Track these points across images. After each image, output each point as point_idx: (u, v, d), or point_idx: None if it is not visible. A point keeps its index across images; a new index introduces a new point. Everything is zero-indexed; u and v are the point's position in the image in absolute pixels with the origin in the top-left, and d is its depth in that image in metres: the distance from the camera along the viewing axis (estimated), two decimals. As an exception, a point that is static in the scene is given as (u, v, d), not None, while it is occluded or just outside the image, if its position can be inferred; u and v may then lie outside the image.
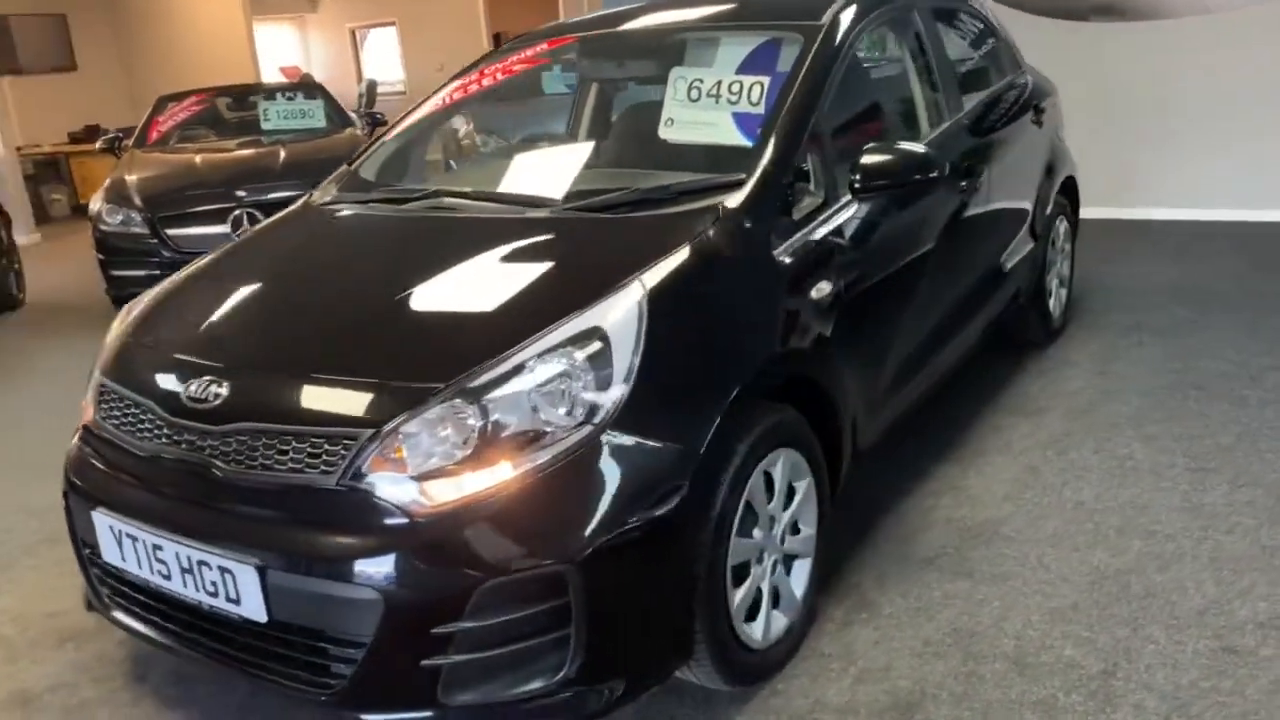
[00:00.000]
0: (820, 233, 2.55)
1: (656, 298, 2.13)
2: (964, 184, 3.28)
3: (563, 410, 1.97)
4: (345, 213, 2.85)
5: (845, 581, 2.76)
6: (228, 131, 7.68)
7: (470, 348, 2.04)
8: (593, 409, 1.98)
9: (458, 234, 2.58)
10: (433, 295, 2.29)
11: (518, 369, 1.99)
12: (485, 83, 3.43)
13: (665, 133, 3.24)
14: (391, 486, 1.92)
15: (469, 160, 3.41)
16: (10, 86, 11.97)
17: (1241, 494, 3.06)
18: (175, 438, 2.14)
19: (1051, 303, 4.39)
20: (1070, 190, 4.51)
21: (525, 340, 2.03)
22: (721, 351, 2.21)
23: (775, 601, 2.42)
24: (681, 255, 2.25)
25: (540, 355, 2.01)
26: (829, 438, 2.57)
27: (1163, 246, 6.02)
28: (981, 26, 4.13)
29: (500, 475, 1.91)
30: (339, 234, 2.78)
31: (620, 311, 2.08)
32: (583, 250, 2.36)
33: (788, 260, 2.43)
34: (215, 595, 2.04)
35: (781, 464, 2.34)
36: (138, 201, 6.12)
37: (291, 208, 3.02)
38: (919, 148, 2.68)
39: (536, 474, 1.92)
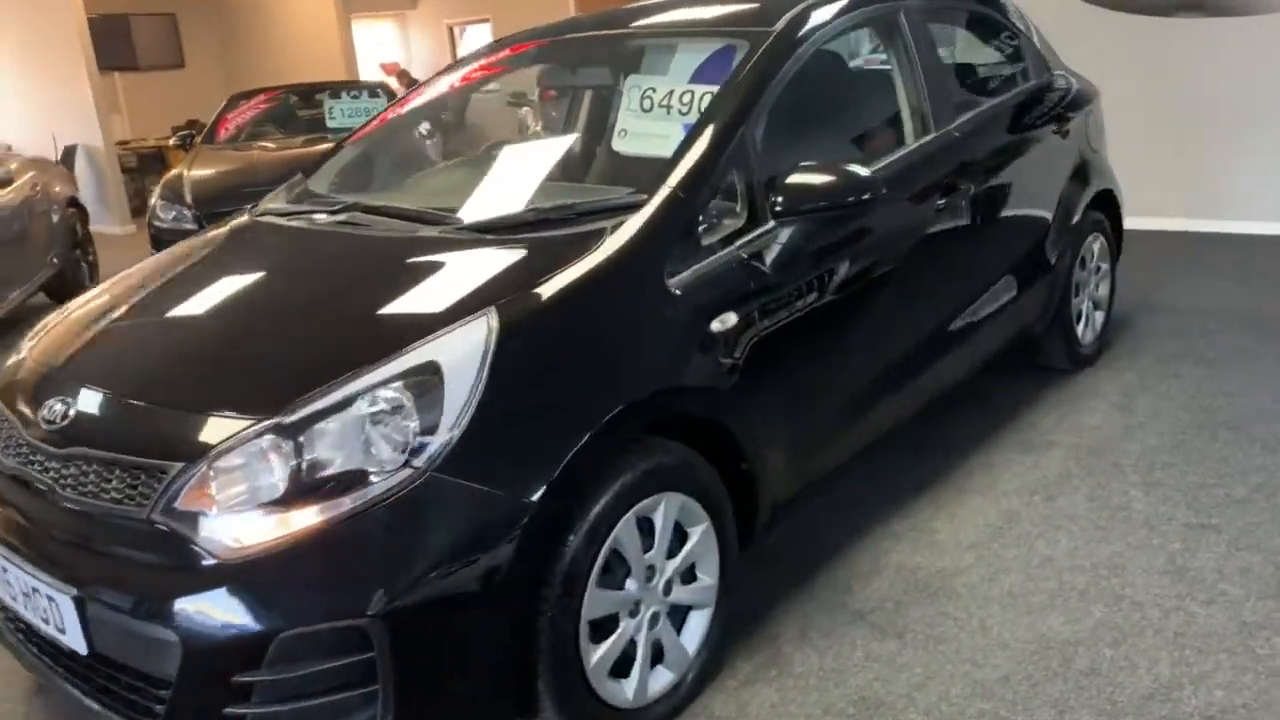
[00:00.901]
0: (733, 259, 2.36)
1: (508, 331, 1.98)
2: (941, 203, 3.01)
3: (387, 450, 1.85)
4: (262, 226, 2.79)
5: (764, 632, 2.56)
6: (295, 129, 7.85)
7: (299, 377, 1.94)
8: (418, 450, 1.85)
9: (346, 253, 2.49)
10: (288, 318, 2.21)
11: (342, 403, 1.88)
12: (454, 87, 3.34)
13: (618, 145, 3.10)
14: (200, 524, 1.83)
15: (429, 170, 3.31)
16: (122, 82, 12.63)
17: (1238, 559, 2.72)
18: (29, 458, 2.12)
19: (1081, 328, 4.03)
20: (1108, 205, 4.14)
21: (356, 372, 1.91)
22: (582, 390, 2.04)
23: (661, 656, 2.25)
24: (551, 283, 2.10)
25: (368, 389, 1.89)
26: (742, 481, 2.39)
27: (1232, 264, 5.50)
28: (999, 28, 3.81)
29: (311, 518, 1.81)
30: (241, 249, 2.73)
31: (462, 345, 1.95)
32: (452, 275, 2.23)
33: (685, 289, 2.24)
34: (47, 623, 2.01)
35: (664, 508, 2.17)
36: (189, 198, 6.28)
37: (232, 219, 2.99)
38: (854, 168, 2.45)
39: (350, 518, 1.81)
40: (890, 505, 3.13)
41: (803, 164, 2.42)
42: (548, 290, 2.09)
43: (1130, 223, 4.44)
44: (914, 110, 3.11)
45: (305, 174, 3.18)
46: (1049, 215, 3.69)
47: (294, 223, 2.73)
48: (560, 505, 1.94)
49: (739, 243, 2.38)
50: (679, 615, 2.30)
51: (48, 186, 6.80)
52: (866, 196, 2.42)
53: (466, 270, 2.23)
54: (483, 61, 3.32)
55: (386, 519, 1.81)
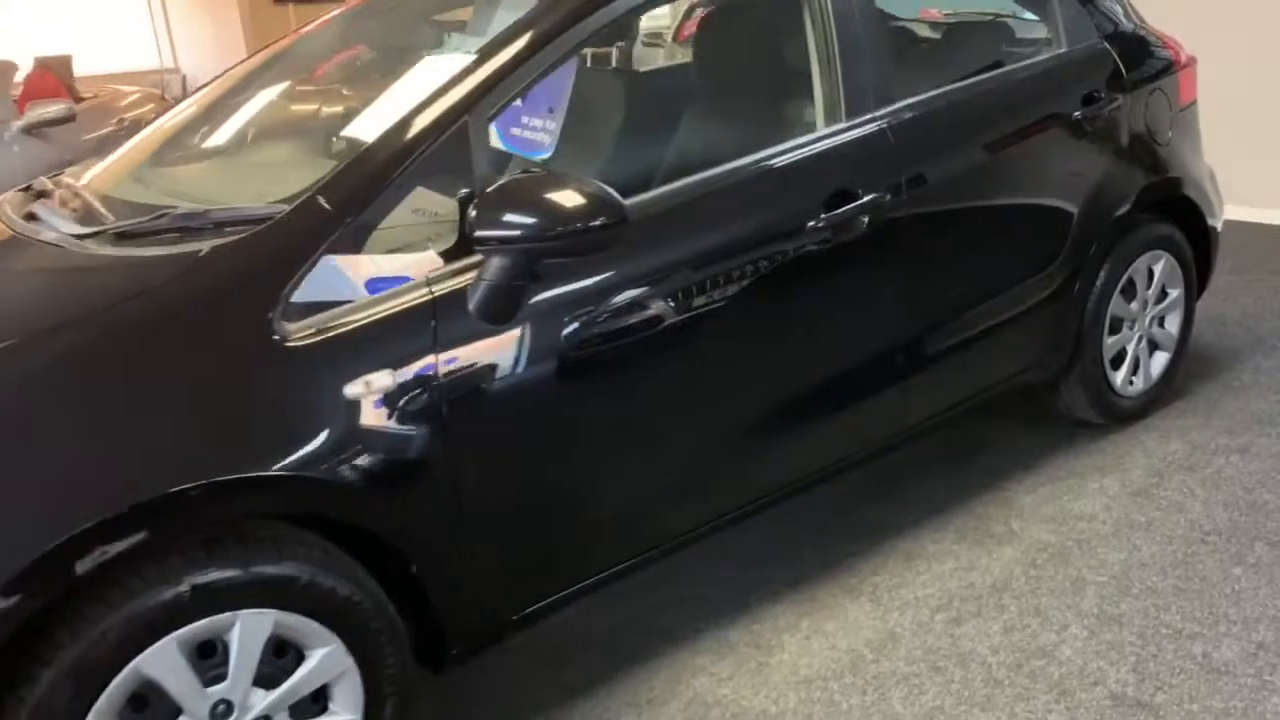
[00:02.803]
0: (417, 300, 1.76)
1: (-14, 393, 1.50)
2: (823, 221, 2.23)
3: None
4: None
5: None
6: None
7: None
8: None
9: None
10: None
11: None
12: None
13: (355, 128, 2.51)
14: None
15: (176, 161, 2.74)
16: (295, 13, 12.92)
17: (1156, 770, 1.89)
18: None
19: (1121, 374, 3.09)
20: (1182, 214, 3.13)
21: None
22: (76, 471, 1.53)
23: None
24: (85, 324, 1.60)
25: None
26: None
27: None
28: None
29: None
30: None
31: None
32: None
33: (311, 339, 1.67)
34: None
35: (240, 630, 1.64)
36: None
37: None
38: (585, 188, 1.76)
39: None
40: (746, 600, 2.45)
41: (507, 180, 1.77)
42: (67, 340, 1.58)
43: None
44: (819, 95, 2.34)
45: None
46: (1060, 227, 2.79)
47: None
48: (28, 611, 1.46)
49: (429, 275, 1.78)
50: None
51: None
52: (600, 223, 1.75)
53: (28, 290, 1.76)
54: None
55: None
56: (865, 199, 2.28)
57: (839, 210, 2.25)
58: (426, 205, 1.88)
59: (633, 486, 2.08)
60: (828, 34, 2.33)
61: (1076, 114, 2.77)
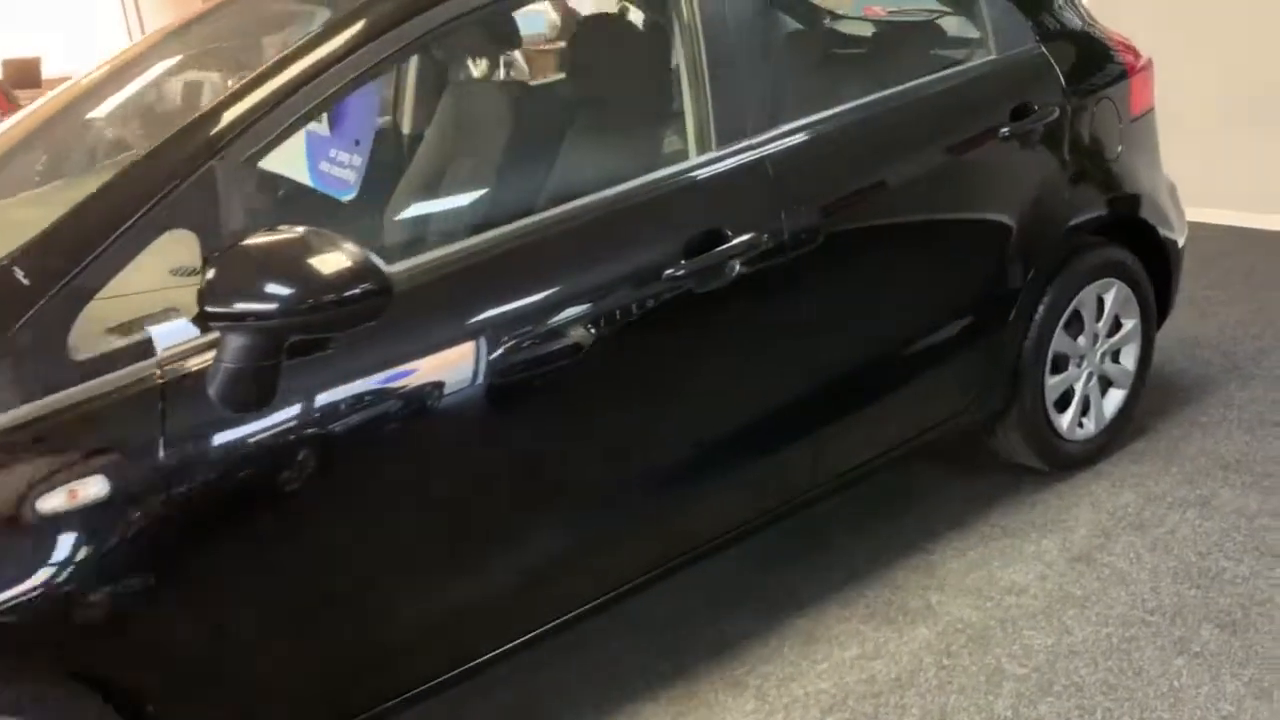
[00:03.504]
0: (137, 386, 1.46)
1: None
2: (692, 269, 1.91)
3: None
4: None
5: None
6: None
7: None
8: None
9: None
10: None
11: None
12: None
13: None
14: None
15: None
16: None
17: None
18: None
19: (1066, 418, 2.76)
20: (1138, 236, 2.80)
21: None
22: None
23: None
24: None
25: None
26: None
27: None
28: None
29: None
30: None
31: None
32: None
33: (-2, 444, 1.38)
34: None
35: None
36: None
37: None
38: (337, 250, 1.44)
39: None
40: (622, 689, 2.15)
41: (240, 244, 1.46)
42: None
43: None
44: (688, 119, 2.02)
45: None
46: (986, 259, 2.46)
47: None
48: None
49: (162, 354, 1.48)
50: None
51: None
52: (359, 292, 1.44)
53: None
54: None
55: None
56: (735, 241, 1.96)
57: (703, 255, 1.93)
58: (183, 263, 1.59)
59: (449, 593, 1.77)
60: (695, 48, 2.01)
61: (1004, 130, 2.43)
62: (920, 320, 2.38)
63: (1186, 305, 3.91)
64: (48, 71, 9.39)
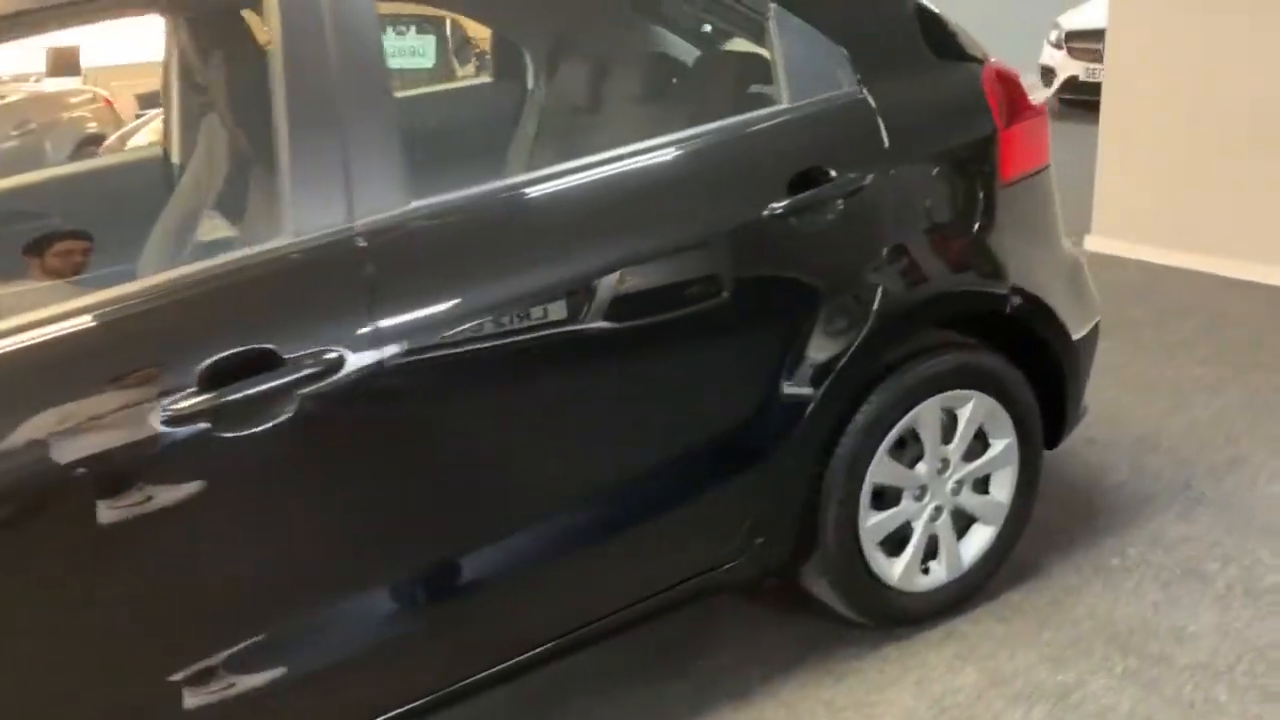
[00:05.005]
0: None
1: None
2: (213, 404, 1.40)
3: None
4: None
5: None
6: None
7: None
8: None
9: None
10: None
11: None
12: None
13: None
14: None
15: None
16: None
17: None
18: None
19: (899, 564, 2.15)
20: (1018, 331, 2.17)
21: None
22: None
23: None
24: None
25: None
26: None
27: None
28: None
29: None
30: None
31: None
32: None
33: None
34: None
35: None
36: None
37: None
38: None
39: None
40: None
41: None
42: None
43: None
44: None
45: None
46: (746, 365, 1.88)
47: None
48: None
49: None
50: None
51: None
52: None
53: None
54: None
55: None
56: (291, 377, 1.44)
57: (234, 385, 1.42)
58: None
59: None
60: (273, 106, 1.51)
61: (776, 206, 1.83)
62: (640, 450, 1.82)
63: (1165, 387, 3.22)
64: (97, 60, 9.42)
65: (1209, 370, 3.33)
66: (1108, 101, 4.54)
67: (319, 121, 1.51)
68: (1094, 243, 4.66)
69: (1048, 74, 8.12)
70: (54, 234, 2.01)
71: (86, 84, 7.72)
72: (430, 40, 6.78)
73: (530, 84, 2.62)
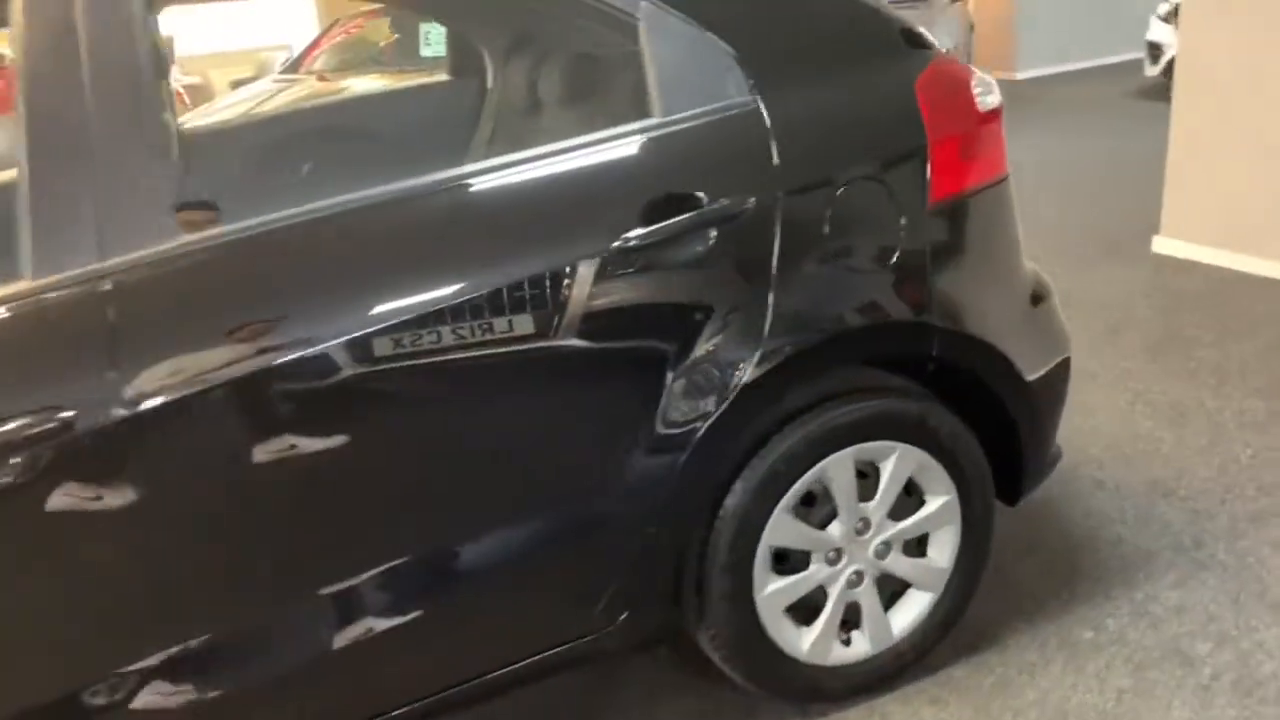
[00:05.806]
0: None
1: None
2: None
3: None
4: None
5: None
6: (388, 57, 6.91)
7: None
8: None
9: None
10: None
11: None
12: None
13: None
14: None
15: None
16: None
17: None
18: None
19: (809, 637, 1.89)
20: (953, 375, 1.88)
21: None
22: None
23: None
24: None
25: None
26: None
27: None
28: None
29: None
30: None
31: None
32: None
33: None
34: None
35: None
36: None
37: None
38: None
39: None
40: None
41: None
42: None
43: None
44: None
45: None
46: (597, 426, 1.64)
47: None
48: None
49: None
50: None
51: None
52: None
53: None
54: None
55: None
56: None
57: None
58: None
59: None
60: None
61: (630, 237, 1.59)
62: (463, 515, 1.61)
63: (1204, 422, 2.85)
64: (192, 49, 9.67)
65: (1260, 404, 2.91)
66: (1179, 94, 4.06)
67: (63, 150, 1.35)
68: (1161, 245, 4.20)
69: (1154, 50, 7.45)
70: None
71: None
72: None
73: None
